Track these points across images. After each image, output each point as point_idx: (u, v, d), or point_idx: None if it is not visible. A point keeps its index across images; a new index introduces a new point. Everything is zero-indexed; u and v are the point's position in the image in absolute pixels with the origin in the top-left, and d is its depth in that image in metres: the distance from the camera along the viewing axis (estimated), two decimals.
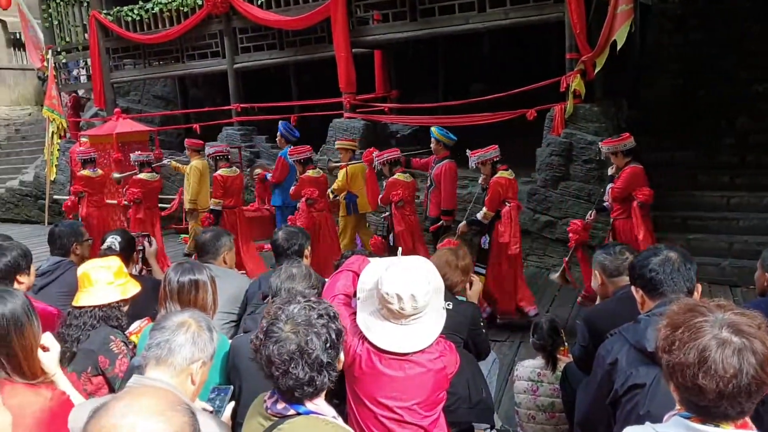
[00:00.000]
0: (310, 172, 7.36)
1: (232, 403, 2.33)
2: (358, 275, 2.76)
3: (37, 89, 18.77)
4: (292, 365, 1.85)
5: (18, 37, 18.37)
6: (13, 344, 2.20)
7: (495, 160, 6.30)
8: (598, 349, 2.47)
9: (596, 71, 7.60)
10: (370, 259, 2.92)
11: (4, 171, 15.24)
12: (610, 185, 6.09)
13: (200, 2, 10.69)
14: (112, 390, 3.00)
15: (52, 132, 12.98)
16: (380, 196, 7.01)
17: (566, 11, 7.60)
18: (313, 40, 10.14)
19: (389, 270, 2.41)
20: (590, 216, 6.31)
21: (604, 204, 6.21)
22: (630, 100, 9.04)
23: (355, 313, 2.54)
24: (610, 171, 6.17)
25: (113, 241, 4.33)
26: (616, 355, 2.31)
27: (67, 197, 9.49)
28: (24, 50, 17.96)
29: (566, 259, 6.17)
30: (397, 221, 6.75)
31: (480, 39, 11.60)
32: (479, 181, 6.71)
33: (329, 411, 1.96)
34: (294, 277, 2.82)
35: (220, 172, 7.94)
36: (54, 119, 12.85)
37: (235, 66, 10.91)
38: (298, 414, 1.89)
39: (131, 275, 3.53)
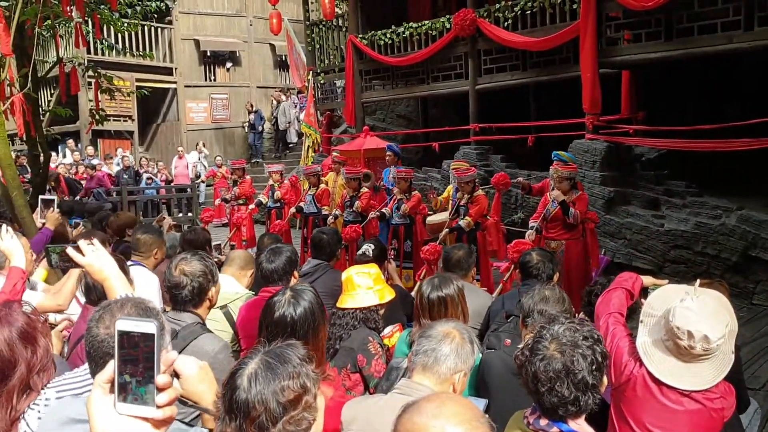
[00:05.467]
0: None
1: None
2: (631, 292, 2.70)
3: None
4: (558, 383, 1.88)
5: (284, 59, 20.58)
6: (309, 343, 2.34)
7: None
8: None
9: None
10: (642, 277, 2.86)
11: (266, 180, 17.09)
12: (463, 209, 7.38)
13: (448, 26, 11.14)
14: (366, 387, 3.26)
15: (308, 146, 14.34)
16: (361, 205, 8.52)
17: None
18: (557, 61, 10.05)
19: (684, 303, 2.32)
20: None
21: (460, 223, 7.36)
22: None
23: (630, 334, 2.50)
24: (463, 201, 7.45)
25: (368, 248, 4.70)
26: None
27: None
28: (288, 71, 20.09)
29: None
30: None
31: (737, 58, 10.65)
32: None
33: None
34: (547, 299, 2.84)
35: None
36: (310, 134, 14.19)
37: (477, 87, 11.17)
38: None
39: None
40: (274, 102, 19.08)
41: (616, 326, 2.56)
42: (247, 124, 19.55)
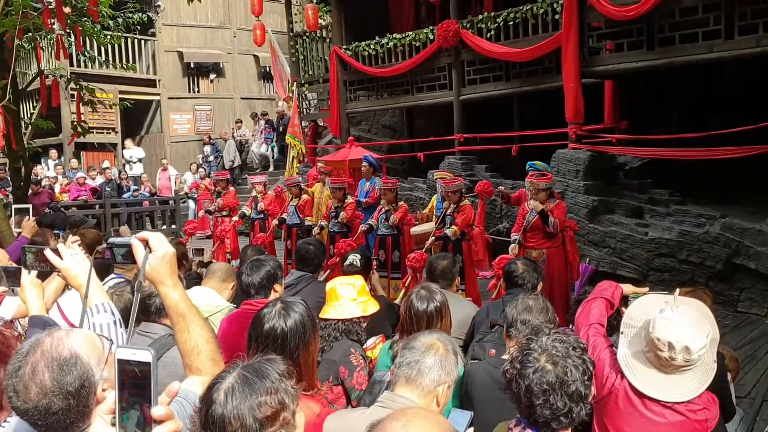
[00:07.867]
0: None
1: (471, 429, 2.37)
2: (611, 302, 2.68)
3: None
4: (552, 396, 1.86)
5: (267, 70, 20.55)
6: (299, 357, 2.34)
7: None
8: None
9: None
10: (622, 286, 2.84)
11: (248, 192, 17.02)
12: (449, 218, 7.50)
13: (432, 37, 11.17)
14: (349, 400, 3.22)
15: (293, 156, 14.29)
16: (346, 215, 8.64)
17: None
18: (540, 71, 10.09)
19: (664, 313, 2.29)
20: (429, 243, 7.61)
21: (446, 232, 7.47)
22: None
23: (612, 345, 2.47)
24: (449, 210, 7.53)
25: (354, 258, 4.66)
26: None
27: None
28: (272, 82, 20.06)
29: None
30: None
31: (720, 67, 10.76)
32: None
33: None
34: (531, 309, 2.81)
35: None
36: (295, 145, 14.15)
37: (461, 98, 11.18)
38: None
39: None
40: (222, 140, 18.66)
41: (596, 337, 2.53)
42: (201, 156, 18.88)
